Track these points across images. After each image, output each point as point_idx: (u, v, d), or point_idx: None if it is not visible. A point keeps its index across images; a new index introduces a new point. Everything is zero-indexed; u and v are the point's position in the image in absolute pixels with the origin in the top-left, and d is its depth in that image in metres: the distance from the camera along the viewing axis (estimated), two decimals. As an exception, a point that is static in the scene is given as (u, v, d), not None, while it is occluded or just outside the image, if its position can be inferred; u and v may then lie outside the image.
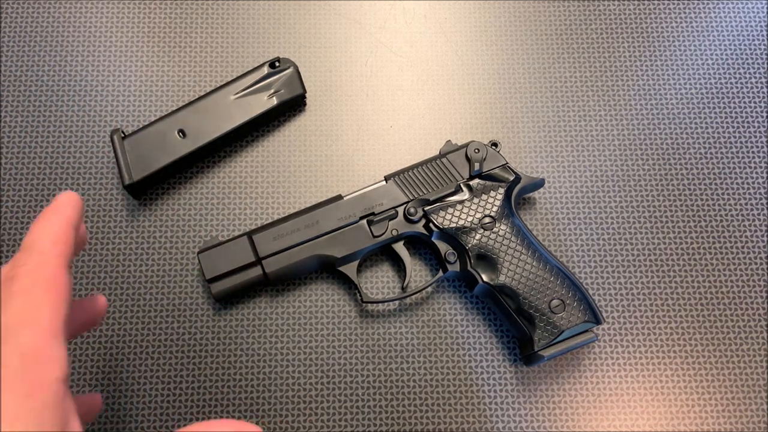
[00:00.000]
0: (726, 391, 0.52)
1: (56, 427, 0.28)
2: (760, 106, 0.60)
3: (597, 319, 0.49)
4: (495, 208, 0.51)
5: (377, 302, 0.53)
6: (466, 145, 0.53)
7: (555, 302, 0.49)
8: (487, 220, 0.51)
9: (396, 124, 0.59)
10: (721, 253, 0.56)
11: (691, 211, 0.57)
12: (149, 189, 0.56)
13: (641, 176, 0.58)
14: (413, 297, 0.54)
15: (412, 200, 0.52)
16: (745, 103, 0.60)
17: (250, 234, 0.52)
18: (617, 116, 0.60)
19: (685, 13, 0.63)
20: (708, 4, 0.64)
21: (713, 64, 0.62)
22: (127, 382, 0.51)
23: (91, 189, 0.56)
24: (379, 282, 0.54)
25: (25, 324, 0.29)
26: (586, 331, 0.49)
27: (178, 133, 0.55)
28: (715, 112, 0.60)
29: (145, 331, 0.53)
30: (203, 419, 0.51)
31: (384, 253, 0.55)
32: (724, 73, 0.61)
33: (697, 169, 0.58)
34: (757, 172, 0.58)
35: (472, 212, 0.51)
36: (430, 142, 0.58)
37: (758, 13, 0.63)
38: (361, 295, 0.52)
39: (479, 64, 0.61)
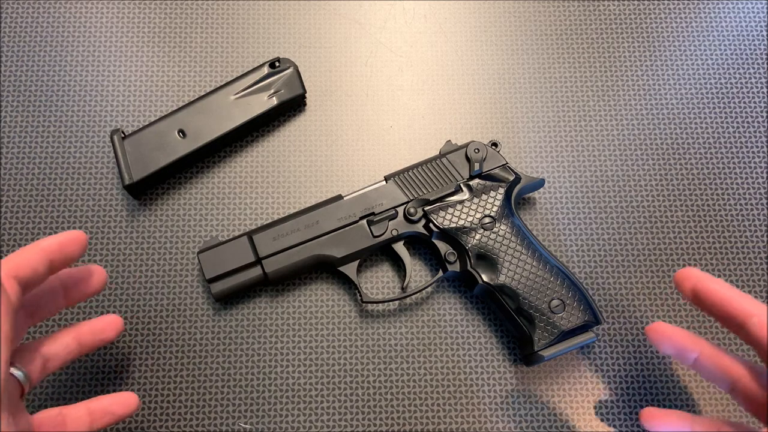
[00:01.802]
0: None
1: None
2: (760, 106, 0.60)
3: (597, 319, 0.49)
4: (495, 208, 0.51)
5: (377, 302, 0.53)
6: (466, 145, 0.53)
7: (555, 302, 0.49)
8: (487, 220, 0.51)
9: (396, 124, 0.59)
10: (721, 253, 0.56)
11: (691, 211, 0.57)
12: (149, 189, 0.56)
13: (641, 176, 0.58)
14: (413, 297, 0.54)
15: (412, 200, 0.52)
16: (745, 103, 0.60)
17: (250, 234, 0.52)
18: (617, 116, 0.60)
19: (685, 13, 0.63)
20: (708, 4, 0.64)
21: (713, 64, 0.62)
22: (126, 382, 0.51)
23: (91, 189, 0.56)
24: (379, 282, 0.54)
25: None
26: (586, 331, 0.49)
27: (178, 133, 0.55)
28: (715, 112, 0.60)
29: (145, 331, 0.53)
30: (203, 419, 0.51)
31: (384, 253, 0.55)
32: (724, 73, 0.61)
33: (697, 169, 0.58)
34: (757, 172, 0.58)
35: (472, 212, 0.51)
36: (430, 142, 0.58)
37: (758, 13, 0.63)
38: (361, 295, 0.52)
39: (479, 64, 0.61)
